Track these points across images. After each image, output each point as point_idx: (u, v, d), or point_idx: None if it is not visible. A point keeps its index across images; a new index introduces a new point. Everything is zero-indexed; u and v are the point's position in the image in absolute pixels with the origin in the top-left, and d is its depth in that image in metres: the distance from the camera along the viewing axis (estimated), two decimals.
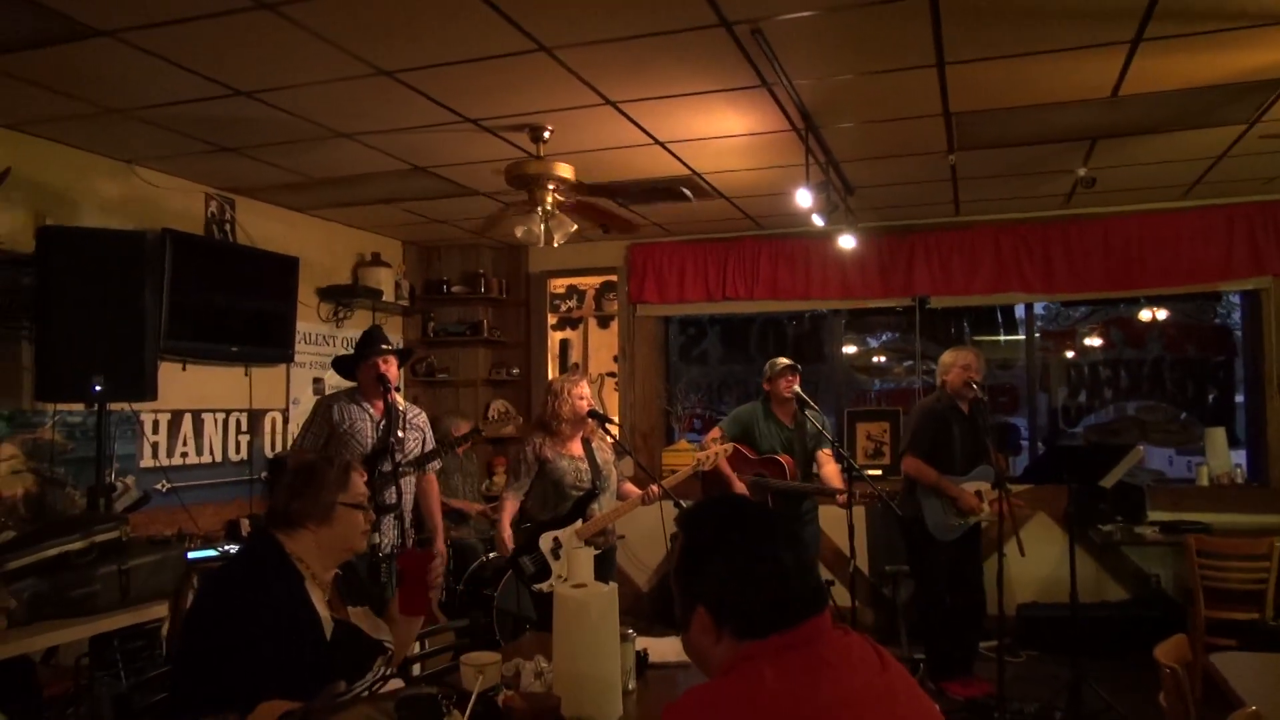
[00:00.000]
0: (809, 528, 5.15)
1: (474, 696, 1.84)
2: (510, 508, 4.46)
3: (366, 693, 2.27)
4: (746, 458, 5.02)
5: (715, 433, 5.16)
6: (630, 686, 2.42)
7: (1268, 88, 3.85)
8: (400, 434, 4.16)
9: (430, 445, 4.52)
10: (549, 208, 4.21)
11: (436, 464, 4.57)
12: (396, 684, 2.40)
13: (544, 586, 4.25)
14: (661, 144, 4.55)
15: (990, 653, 5.08)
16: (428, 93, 3.80)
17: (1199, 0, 3.02)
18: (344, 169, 4.95)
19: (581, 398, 4.41)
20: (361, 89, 3.73)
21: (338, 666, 2.26)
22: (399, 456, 4.19)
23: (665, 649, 2.78)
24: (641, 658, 2.57)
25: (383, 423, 4.29)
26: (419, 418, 4.54)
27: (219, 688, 2.09)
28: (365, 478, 2.48)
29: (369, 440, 4.26)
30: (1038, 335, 6.80)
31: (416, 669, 3.02)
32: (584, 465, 4.42)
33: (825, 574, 6.39)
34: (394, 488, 4.17)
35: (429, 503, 4.63)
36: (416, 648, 3.20)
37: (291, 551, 2.31)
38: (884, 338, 7.63)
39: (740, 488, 4.97)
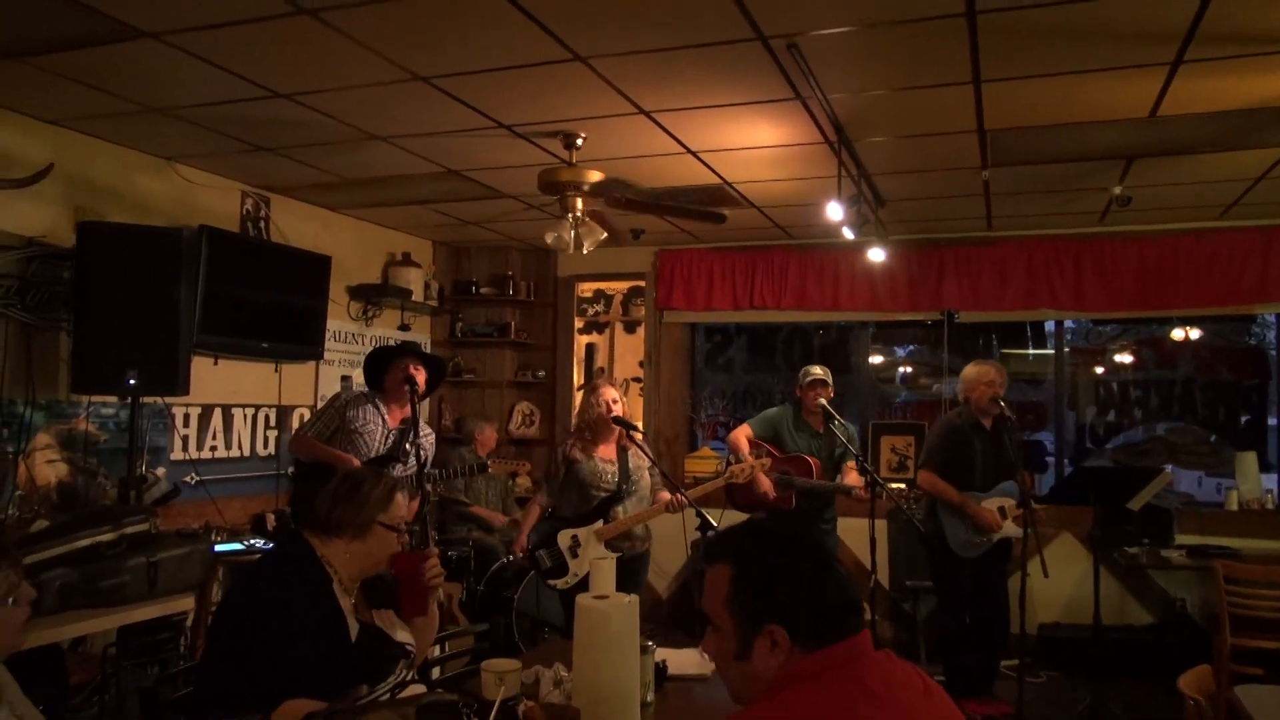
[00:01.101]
0: (829, 537, 5.14)
1: (496, 706, 1.85)
2: (535, 512, 4.49)
3: (388, 695, 2.29)
4: (772, 454, 5.02)
5: (745, 431, 5.15)
6: (649, 699, 2.43)
7: None
8: (409, 446, 4.16)
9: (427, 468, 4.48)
10: (580, 215, 4.23)
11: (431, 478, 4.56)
12: (417, 687, 2.43)
13: (559, 583, 4.27)
14: (693, 153, 4.56)
15: (1011, 672, 5.05)
16: (463, 98, 3.83)
17: (1241, 24, 2.99)
18: (378, 170, 4.99)
19: (601, 404, 4.42)
20: (398, 93, 3.76)
21: (361, 668, 2.29)
22: (400, 468, 4.19)
23: (684, 660, 2.79)
24: (660, 670, 2.58)
25: (393, 433, 4.31)
26: (425, 439, 4.50)
27: (244, 685, 2.12)
28: (409, 501, 2.50)
29: (375, 444, 4.27)
30: (1067, 351, 6.74)
31: (436, 672, 3.05)
32: (612, 468, 4.43)
33: None
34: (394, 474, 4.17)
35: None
36: (436, 650, 3.23)
37: (322, 555, 2.34)
38: (910, 349, 7.60)
39: (768, 489, 4.94)
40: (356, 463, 4.11)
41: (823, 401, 5.04)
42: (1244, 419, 6.80)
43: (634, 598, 2.32)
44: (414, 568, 2.53)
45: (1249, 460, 6.10)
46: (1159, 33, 3.06)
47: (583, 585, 4.00)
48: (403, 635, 2.50)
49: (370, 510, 2.37)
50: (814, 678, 1.43)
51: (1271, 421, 6.56)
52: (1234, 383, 6.74)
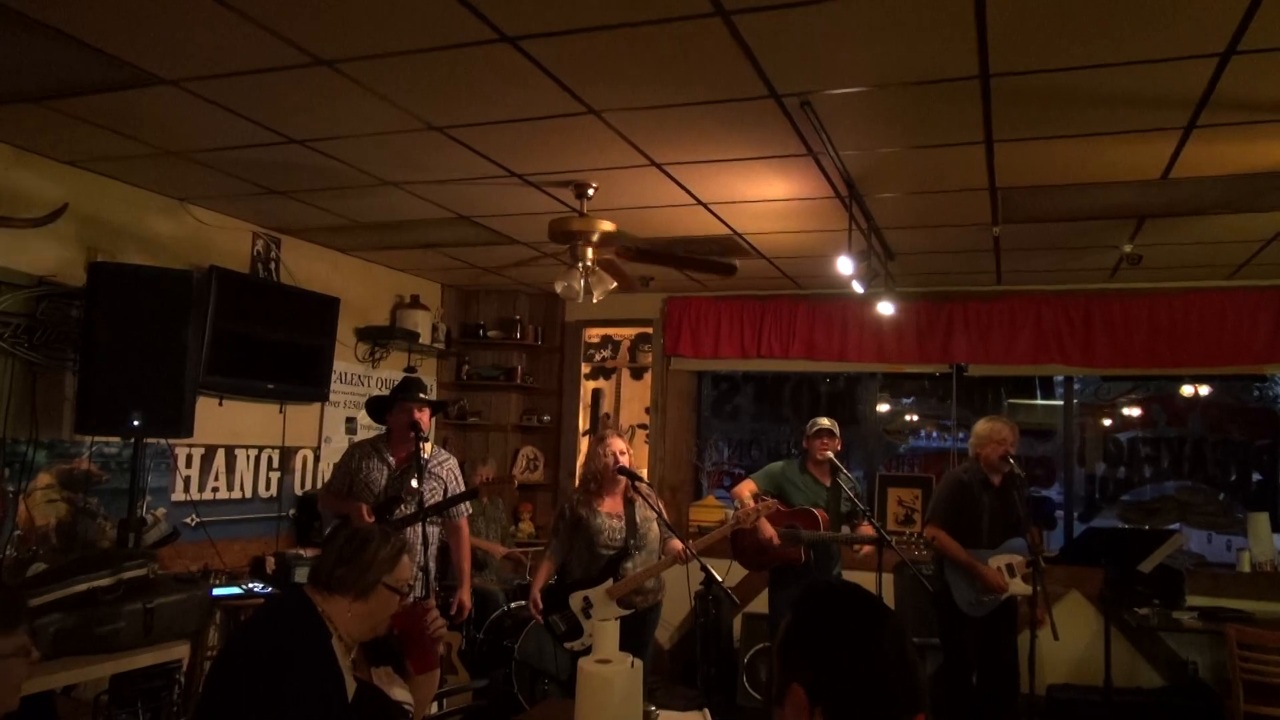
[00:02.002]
0: None
1: None
2: (545, 570, 4.45)
3: None
4: (779, 511, 4.97)
5: (748, 486, 5.09)
6: None
7: None
8: (414, 483, 4.16)
9: (454, 492, 4.51)
10: (590, 264, 4.23)
11: (463, 510, 4.57)
12: None
13: (575, 645, 4.22)
14: (704, 205, 4.58)
15: None
16: (476, 148, 3.85)
17: (1253, 93, 3.00)
18: (389, 214, 5.02)
19: (607, 455, 4.40)
20: (411, 142, 3.79)
21: None
22: (410, 506, 4.19)
23: None
24: None
25: (398, 472, 4.32)
26: (444, 466, 4.53)
27: None
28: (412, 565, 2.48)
29: (379, 488, 4.30)
30: (1076, 402, 6.69)
31: None
32: (619, 523, 4.39)
33: None
34: (420, 541, 4.16)
35: (457, 552, 4.64)
36: (434, 708, 3.17)
37: (322, 610, 2.31)
38: (913, 399, 7.56)
39: (771, 535, 4.89)
40: (365, 511, 4.13)
41: (830, 454, 5.01)
42: (1255, 478, 6.73)
43: (638, 663, 2.28)
44: (417, 622, 2.50)
45: (1261, 521, 6.03)
46: (1173, 99, 3.07)
47: None
48: (400, 694, 2.46)
49: (375, 571, 2.34)
50: None
51: None
52: (1245, 442, 6.69)
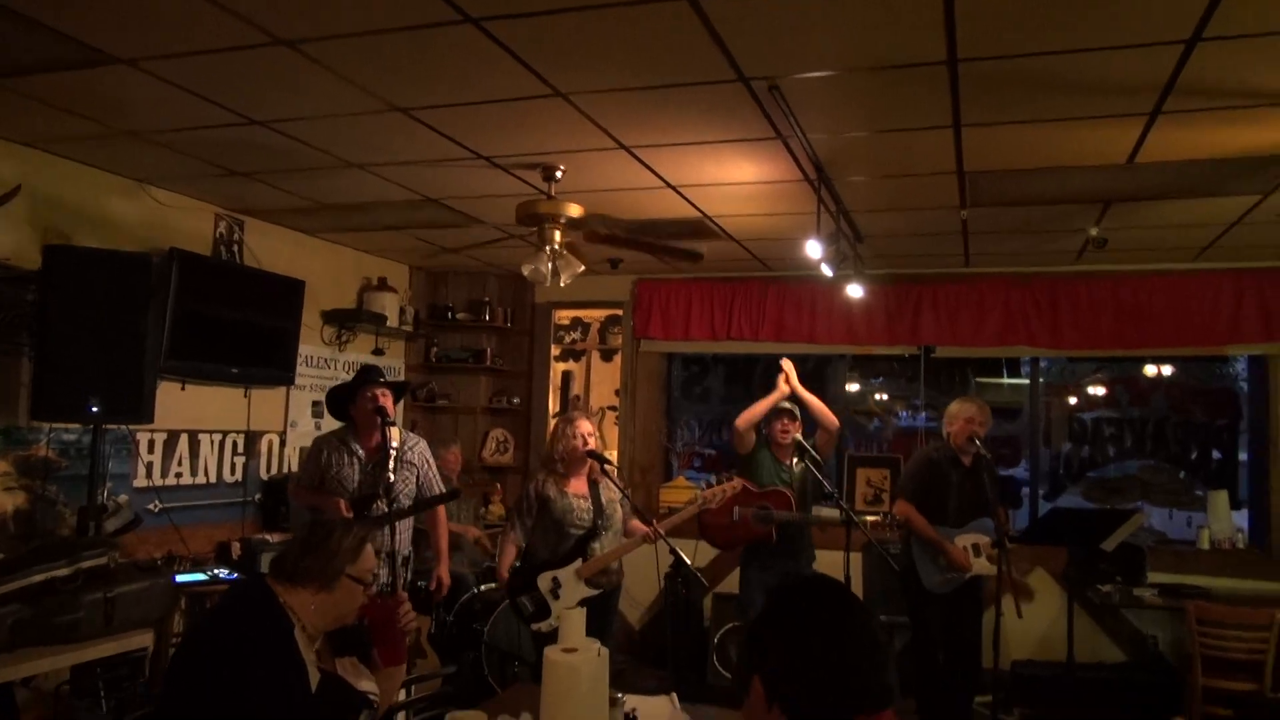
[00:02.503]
0: (805, 571, 5.10)
1: None
2: (511, 551, 4.43)
3: None
4: (749, 490, 4.98)
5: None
6: None
7: None
8: (390, 475, 4.10)
9: (429, 477, 4.47)
10: (557, 247, 4.20)
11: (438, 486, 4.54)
12: None
13: (543, 626, 4.21)
14: (673, 187, 4.55)
15: (984, 709, 5.02)
16: (442, 129, 3.80)
17: (1218, 79, 3.01)
18: (354, 196, 4.94)
19: (576, 436, 4.38)
20: (375, 123, 3.73)
21: (319, 717, 2.22)
22: (394, 499, 4.14)
23: (655, 710, 2.74)
24: None
25: (370, 465, 4.25)
26: (415, 450, 4.48)
27: None
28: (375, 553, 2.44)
29: (354, 484, 4.22)
30: (1042, 382, 6.76)
31: (402, 717, 2.98)
32: (585, 504, 4.39)
33: None
34: (385, 528, 4.12)
35: (435, 532, 4.61)
36: (402, 694, 3.16)
37: (285, 601, 2.28)
38: (883, 380, 7.61)
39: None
40: (344, 506, 4.07)
41: (796, 436, 5.02)
42: (1215, 457, 6.86)
43: (604, 651, 2.28)
44: (388, 615, 2.47)
45: (1221, 499, 6.14)
46: (1139, 85, 3.08)
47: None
48: (365, 684, 2.44)
49: (339, 561, 2.32)
50: None
51: (1242, 457, 6.61)
52: (1206, 422, 6.80)
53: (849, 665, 1.47)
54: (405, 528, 4.35)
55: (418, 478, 4.43)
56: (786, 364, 5.05)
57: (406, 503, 4.32)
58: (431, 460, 4.56)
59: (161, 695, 2.24)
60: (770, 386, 5.16)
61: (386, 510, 4.04)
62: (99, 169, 4.56)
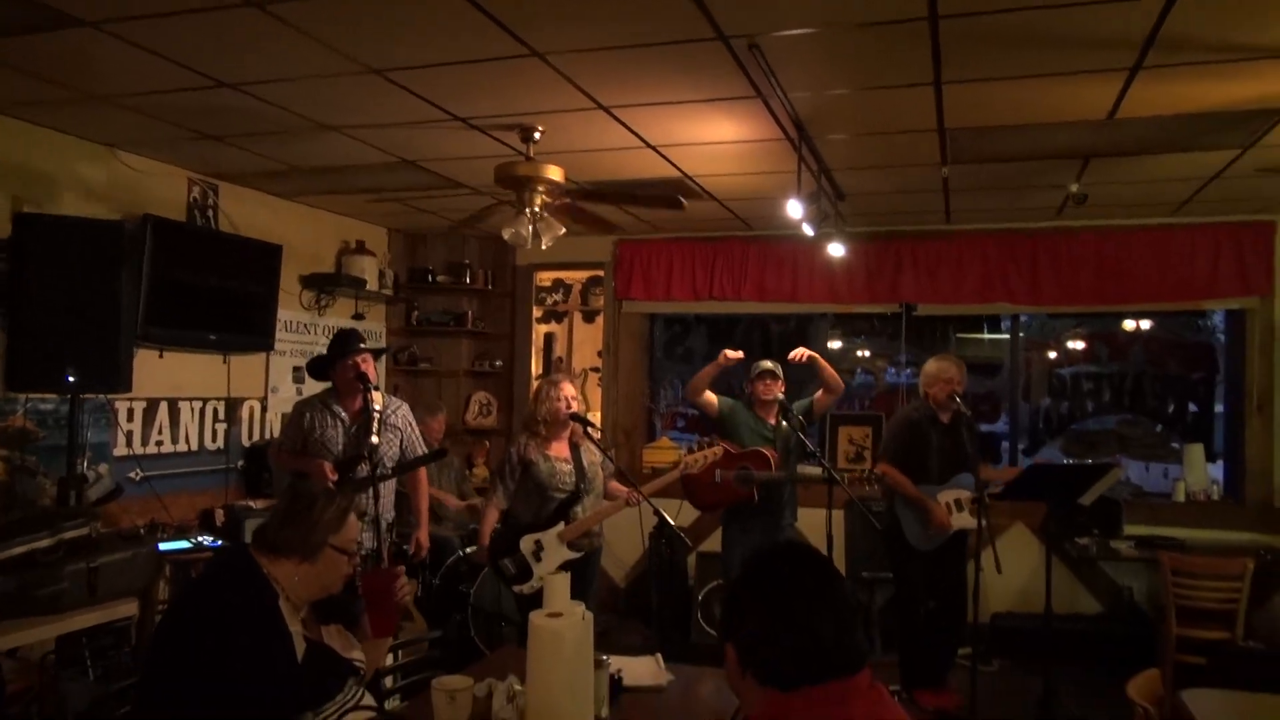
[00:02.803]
0: (786, 536, 5.14)
1: None
2: (493, 516, 4.43)
3: (339, 718, 2.24)
4: (730, 453, 5.01)
5: (710, 395, 5.17)
6: (603, 714, 2.40)
7: (1264, 116, 3.84)
8: (375, 439, 4.09)
9: (412, 440, 4.47)
10: (537, 209, 4.15)
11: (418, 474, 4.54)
12: (368, 701, 2.37)
13: (525, 588, 4.24)
14: (653, 147, 4.51)
15: (964, 660, 5.11)
16: (417, 91, 3.73)
17: (1198, 34, 2.99)
18: (330, 160, 4.87)
19: (560, 399, 4.38)
20: (350, 85, 3.66)
21: (309, 688, 2.23)
22: (377, 463, 4.14)
23: (640, 671, 2.77)
24: (615, 682, 2.55)
25: (354, 428, 4.24)
26: (398, 414, 4.47)
27: (188, 711, 2.05)
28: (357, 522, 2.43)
29: (339, 447, 4.21)
30: (1022, 337, 6.79)
31: (389, 681, 3.00)
32: (568, 467, 4.40)
33: None
34: (369, 493, 4.12)
35: (415, 495, 4.62)
36: (389, 659, 3.18)
37: (268, 572, 2.28)
38: (864, 338, 7.62)
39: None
40: (329, 469, 4.06)
41: (779, 395, 5.04)
42: (1191, 410, 6.93)
43: (589, 615, 2.29)
44: (384, 586, 2.46)
45: (1196, 452, 6.22)
46: (1119, 40, 3.06)
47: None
48: (353, 652, 2.44)
49: (321, 532, 2.31)
50: (801, 712, 1.43)
51: (1218, 410, 6.68)
52: (1182, 375, 6.86)
53: (821, 631, 1.49)
54: (388, 492, 4.36)
55: (401, 441, 4.43)
56: (805, 352, 5.03)
57: (391, 466, 4.32)
58: (414, 423, 4.56)
59: (145, 668, 2.24)
60: (751, 347, 5.17)
61: (370, 473, 4.04)
62: (68, 134, 4.47)
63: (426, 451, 4.53)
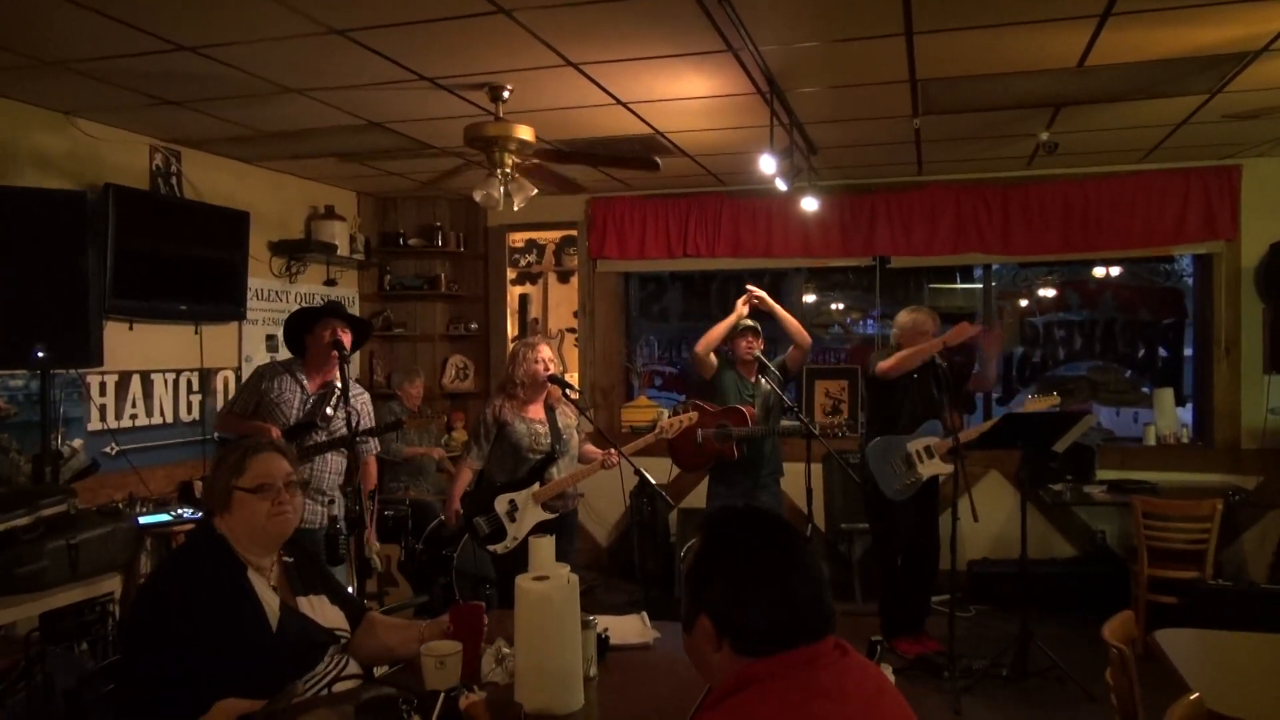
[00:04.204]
0: (768, 492, 5.17)
1: (439, 706, 1.82)
2: (465, 476, 4.41)
3: (325, 689, 2.25)
4: (707, 411, 5.03)
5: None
6: (592, 673, 2.42)
7: (1230, 61, 3.86)
8: (330, 410, 4.04)
9: (365, 426, 4.39)
10: (508, 170, 4.11)
11: (372, 446, 4.46)
12: (353, 671, 2.38)
13: (498, 548, 4.24)
14: (624, 104, 4.46)
15: (942, 607, 5.20)
16: (382, 51, 3.66)
17: None
18: (295, 123, 4.79)
19: (538, 361, 4.36)
20: (313, 46, 3.58)
21: (286, 657, 2.22)
22: (321, 435, 4.09)
23: (626, 629, 2.79)
24: (603, 641, 2.57)
25: (312, 398, 4.19)
26: (359, 400, 4.33)
27: (166, 689, 2.05)
28: (281, 459, 2.37)
29: (293, 412, 4.12)
30: (995, 285, 6.83)
31: None
32: (543, 429, 4.39)
33: None
34: (311, 465, 4.08)
35: (365, 484, 4.52)
36: None
37: (228, 536, 2.28)
38: (839, 291, 7.63)
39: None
40: (276, 431, 3.99)
41: (757, 353, 5.06)
42: (1161, 355, 7.02)
43: (574, 577, 2.30)
44: (474, 625, 2.39)
45: (1166, 396, 6.32)
46: None
47: (522, 548, 4.00)
48: (333, 620, 2.44)
49: (223, 479, 2.30)
50: (766, 680, 1.42)
51: (1187, 352, 6.77)
52: (1152, 321, 6.94)
53: (795, 587, 1.48)
54: (332, 470, 4.21)
55: (355, 425, 4.35)
56: (756, 290, 5.03)
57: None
58: (372, 413, 4.46)
59: (122, 649, 2.23)
60: (727, 303, 5.17)
61: (322, 440, 4.03)
62: (23, 102, 4.36)
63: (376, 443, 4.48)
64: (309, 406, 4.16)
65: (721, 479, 5.14)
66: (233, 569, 2.24)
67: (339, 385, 4.09)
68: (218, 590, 2.18)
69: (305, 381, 4.21)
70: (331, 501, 4.17)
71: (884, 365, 4.92)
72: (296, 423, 4.11)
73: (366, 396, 4.49)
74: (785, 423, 5.23)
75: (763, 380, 5.10)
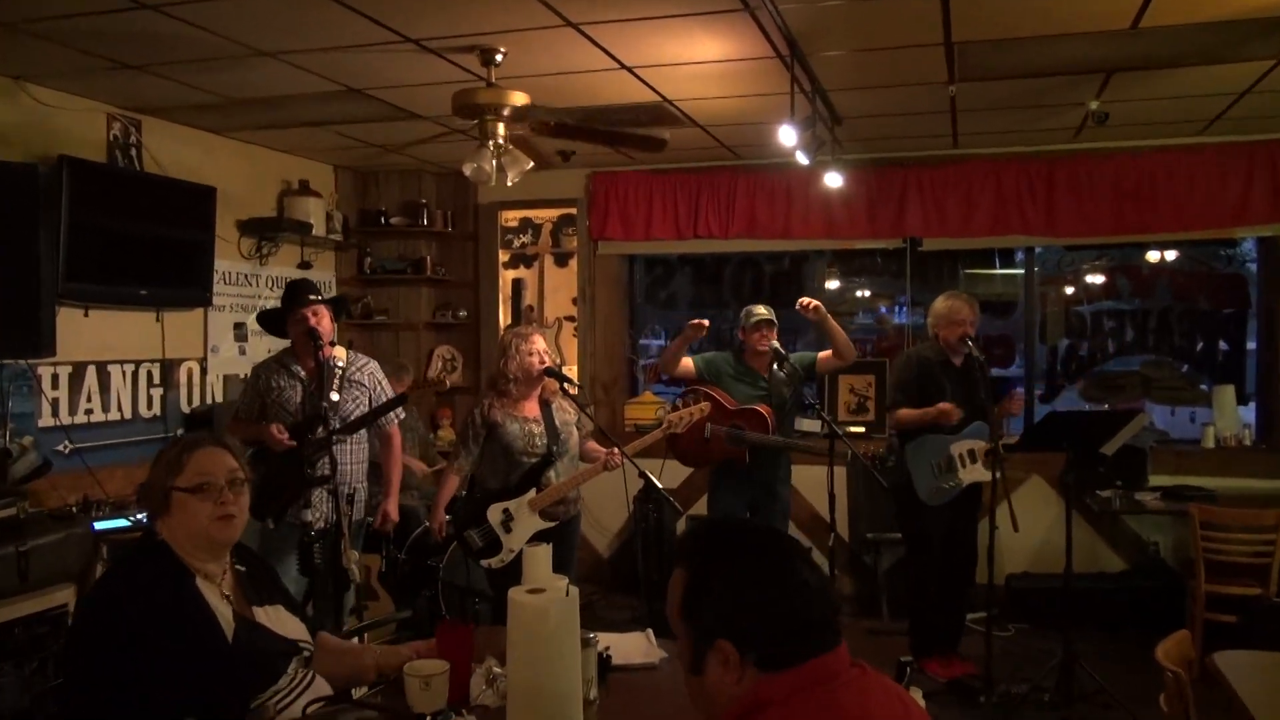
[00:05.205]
0: (777, 498, 5.15)
1: None
2: (452, 483, 4.42)
3: (292, 703, 2.26)
4: (724, 407, 5.03)
5: (686, 362, 5.20)
6: (592, 696, 2.43)
7: None
8: (335, 396, 4.09)
9: (381, 400, 4.45)
10: (501, 141, 4.11)
11: (392, 416, 4.53)
12: (321, 687, 2.39)
13: (493, 562, 4.25)
14: (629, 69, 4.46)
15: (977, 625, 5.21)
16: (363, 10, 3.66)
17: None
18: (267, 90, 4.80)
19: (532, 354, 4.36)
20: (287, 5, 3.59)
21: (246, 670, 2.23)
22: (333, 422, 4.13)
23: (630, 648, 2.80)
24: (604, 661, 2.58)
25: (313, 385, 4.23)
26: (364, 370, 4.47)
27: (116, 713, 2.07)
28: (225, 454, 2.38)
29: (297, 408, 4.21)
30: (1037, 271, 6.81)
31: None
32: (538, 429, 4.38)
33: (804, 540, 6.48)
34: (326, 457, 4.11)
35: (387, 461, 4.62)
36: (355, 641, 3.20)
37: (170, 542, 2.29)
38: (865, 278, 7.64)
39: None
40: (276, 430, 4.06)
41: (774, 343, 5.05)
42: (1222, 349, 7.00)
43: (574, 590, 2.30)
44: (462, 650, 2.41)
45: (1227, 394, 6.31)
46: None
47: (518, 562, 4.00)
48: (295, 631, 2.45)
49: (160, 479, 2.30)
50: (782, 703, 1.42)
51: (1250, 346, 6.75)
52: (1212, 311, 6.92)
53: (812, 596, 1.49)
54: (355, 460, 4.34)
55: (370, 400, 4.42)
56: (810, 302, 5.01)
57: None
58: (384, 381, 4.57)
59: (67, 671, 2.24)
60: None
61: (327, 434, 4.06)
62: None
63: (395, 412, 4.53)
64: (312, 396, 4.21)
65: (728, 482, 5.12)
66: (179, 578, 2.25)
67: (338, 364, 4.12)
68: (165, 602, 2.18)
69: (301, 372, 4.28)
70: (353, 495, 4.20)
71: (891, 425, 5.04)
72: (303, 417, 4.16)
73: (375, 365, 4.57)
74: (805, 427, 5.22)
75: (776, 372, 5.09)
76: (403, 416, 4.66)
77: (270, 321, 4.40)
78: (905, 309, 6.97)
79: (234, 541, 2.40)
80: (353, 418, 4.29)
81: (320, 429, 4.13)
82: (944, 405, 4.84)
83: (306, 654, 2.42)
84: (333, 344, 4.27)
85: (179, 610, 2.20)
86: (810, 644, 1.47)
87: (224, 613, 2.27)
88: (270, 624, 2.39)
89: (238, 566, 2.43)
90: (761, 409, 5.03)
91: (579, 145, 5.70)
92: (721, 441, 5.01)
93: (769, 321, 5.07)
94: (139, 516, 4.60)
